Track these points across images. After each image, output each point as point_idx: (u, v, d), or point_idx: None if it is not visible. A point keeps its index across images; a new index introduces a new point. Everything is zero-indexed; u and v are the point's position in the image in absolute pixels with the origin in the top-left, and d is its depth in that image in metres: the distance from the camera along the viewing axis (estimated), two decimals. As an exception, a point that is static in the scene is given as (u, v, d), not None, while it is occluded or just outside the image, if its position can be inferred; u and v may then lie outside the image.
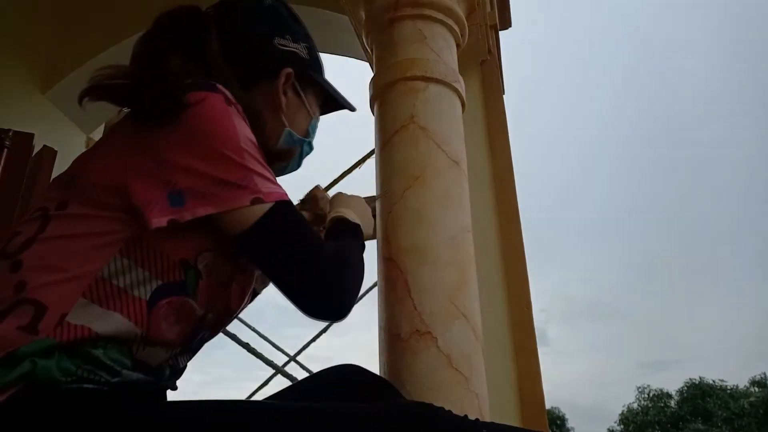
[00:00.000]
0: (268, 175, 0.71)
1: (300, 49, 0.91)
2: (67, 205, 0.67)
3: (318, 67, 0.95)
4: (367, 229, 0.98)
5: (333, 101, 1.00)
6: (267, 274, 0.73)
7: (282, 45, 0.88)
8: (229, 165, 0.67)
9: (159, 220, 0.64)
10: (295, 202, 1.00)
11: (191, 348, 0.77)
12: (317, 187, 1.10)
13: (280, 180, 0.77)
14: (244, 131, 0.70)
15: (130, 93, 0.69)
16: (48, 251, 0.65)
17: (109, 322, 0.64)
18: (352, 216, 0.95)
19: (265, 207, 0.68)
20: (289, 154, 0.84)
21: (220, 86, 0.71)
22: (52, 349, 0.61)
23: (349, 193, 1.03)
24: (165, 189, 0.65)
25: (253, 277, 0.84)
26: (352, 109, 1.04)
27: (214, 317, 0.76)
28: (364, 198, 1.07)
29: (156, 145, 0.66)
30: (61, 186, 0.71)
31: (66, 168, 0.75)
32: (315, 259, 0.72)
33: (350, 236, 0.90)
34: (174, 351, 0.72)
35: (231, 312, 0.81)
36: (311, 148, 0.97)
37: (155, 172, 0.65)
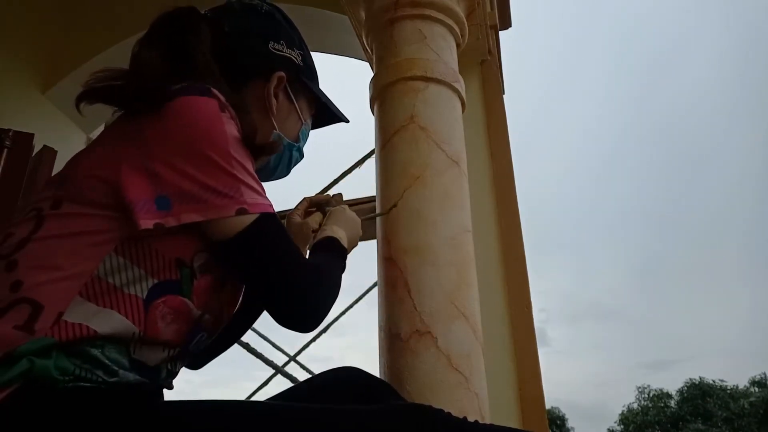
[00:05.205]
0: (255, 185, 0.71)
1: (294, 55, 0.92)
2: (61, 204, 0.67)
3: (311, 75, 0.96)
4: (348, 250, 0.99)
5: (326, 113, 1.01)
6: (245, 283, 0.78)
7: (276, 49, 0.90)
8: (216, 171, 0.67)
9: (146, 222, 0.64)
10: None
11: (189, 351, 0.77)
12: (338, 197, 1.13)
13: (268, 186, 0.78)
14: (235, 138, 0.70)
15: (117, 93, 0.70)
16: (43, 250, 0.65)
17: (107, 320, 0.63)
18: (343, 238, 0.96)
19: (249, 218, 0.69)
20: (272, 148, 0.83)
21: (215, 91, 0.71)
22: (50, 348, 0.61)
23: (348, 212, 1.04)
24: (154, 191, 0.65)
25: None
26: (344, 120, 1.04)
27: (211, 318, 0.76)
28: (363, 218, 1.11)
29: (144, 135, 0.67)
30: (55, 185, 0.71)
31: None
32: (292, 274, 0.73)
33: (336, 257, 0.91)
34: (172, 351, 0.72)
35: (227, 314, 0.81)
36: (301, 155, 0.98)
37: (144, 164, 0.66)
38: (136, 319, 0.65)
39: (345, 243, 0.95)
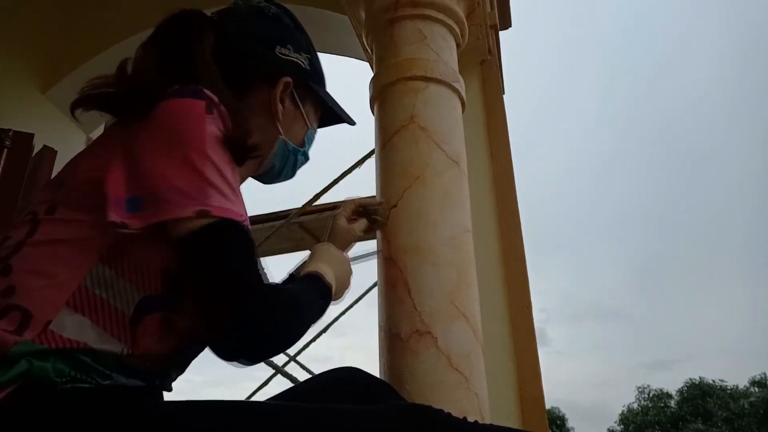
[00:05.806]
0: (226, 190, 0.66)
1: (301, 59, 0.90)
2: (55, 209, 0.67)
3: (318, 78, 0.95)
4: (339, 291, 0.93)
5: (332, 114, 1.00)
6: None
7: (283, 54, 0.88)
8: (186, 170, 0.64)
9: (113, 216, 0.62)
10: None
11: (182, 361, 0.76)
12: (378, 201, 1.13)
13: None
14: (216, 141, 0.67)
15: (111, 100, 0.70)
16: (36, 256, 0.64)
17: (95, 336, 0.63)
18: (330, 276, 0.89)
19: (208, 221, 0.63)
20: (258, 149, 0.76)
21: (207, 92, 0.69)
22: (46, 353, 0.61)
23: (334, 250, 0.98)
24: (128, 190, 0.64)
25: None
26: (351, 123, 1.03)
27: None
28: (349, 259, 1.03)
29: (135, 137, 0.67)
30: (53, 188, 0.70)
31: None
32: (242, 289, 0.63)
33: (315, 292, 0.83)
34: (162, 362, 0.71)
35: None
36: (307, 158, 0.97)
37: (128, 164, 0.65)
38: (123, 338, 0.65)
39: (331, 280, 0.88)
